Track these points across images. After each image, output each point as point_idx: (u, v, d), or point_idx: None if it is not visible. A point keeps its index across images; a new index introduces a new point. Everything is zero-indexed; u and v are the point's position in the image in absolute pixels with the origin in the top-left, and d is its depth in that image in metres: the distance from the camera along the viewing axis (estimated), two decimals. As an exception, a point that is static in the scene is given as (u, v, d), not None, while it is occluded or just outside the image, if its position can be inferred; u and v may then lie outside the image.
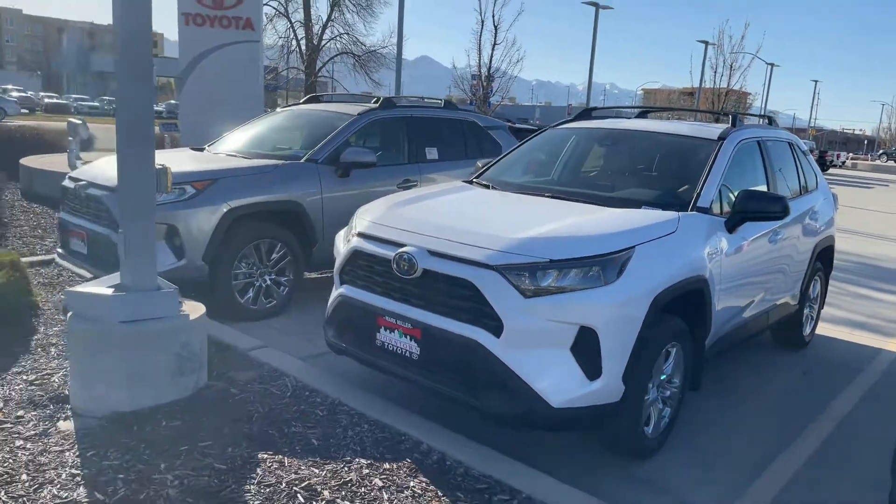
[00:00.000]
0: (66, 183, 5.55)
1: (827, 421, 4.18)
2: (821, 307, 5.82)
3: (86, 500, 2.63)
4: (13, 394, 3.53)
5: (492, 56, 25.39)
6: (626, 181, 4.41)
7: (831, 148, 58.86)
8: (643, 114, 6.12)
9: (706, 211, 3.83)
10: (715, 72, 34.36)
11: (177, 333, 3.50)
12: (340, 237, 4.07)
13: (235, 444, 3.11)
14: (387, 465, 3.02)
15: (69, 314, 3.50)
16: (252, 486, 2.77)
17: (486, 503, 2.79)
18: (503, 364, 3.03)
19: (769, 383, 4.80)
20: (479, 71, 25.63)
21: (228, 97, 14.86)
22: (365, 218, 3.81)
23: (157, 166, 3.58)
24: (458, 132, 6.98)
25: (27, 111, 40.69)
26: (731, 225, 3.88)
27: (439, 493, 2.83)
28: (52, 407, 3.44)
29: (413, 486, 2.86)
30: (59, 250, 5.64)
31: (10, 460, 2.89)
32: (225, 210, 5.03)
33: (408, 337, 3.34)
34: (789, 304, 5.04)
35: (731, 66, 34.27)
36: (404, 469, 3.00)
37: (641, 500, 3.13)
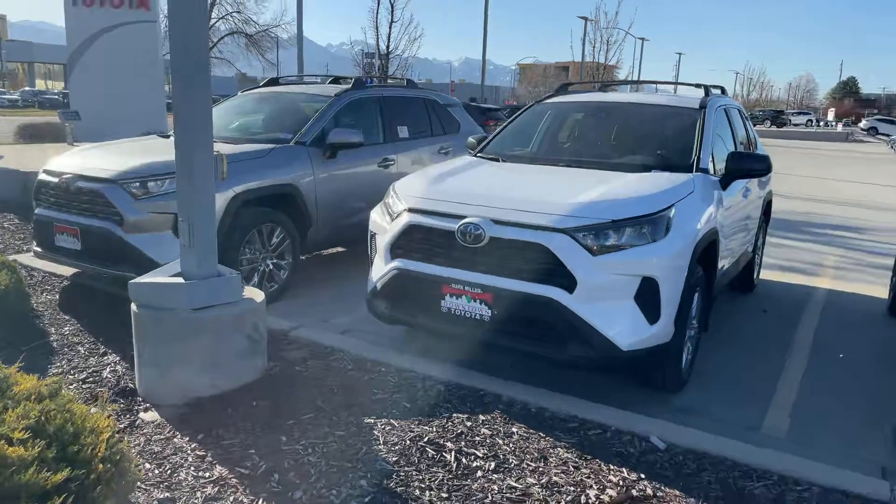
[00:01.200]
0: (44, 177, 5.26)
1: (801, 347, 4.87)
2: (762, 254, 6.65)
3: (231, 476, 2.72)
4: (74, 396, 3.46)
5: (389, 34, 25.38)
6: (626, 149, 4.87)
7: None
8: (604, 87, 6.64)
9: (706, 172, 4.35)
10: (593, 47, 36.20)
11: (248, 317, 3.57)
12: (377, 213, 4.24)
13: (336, 414, 3.27)
14: (483, 417, 3.31)
15: (134, 305, 3.47)
16: (380, 447, 2.97)
17: (584, 438, 3.15)
18: (578, 317, 3.38)
19: (739, 324, 5.46)
20: (378, 49, 25.53)
21: (126, 83, 14.08)
22: (410, 193, 4.01)
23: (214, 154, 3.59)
24: (423, 110, 7.19)
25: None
26: (725, 183, 4.43)
27: (541, 434, 3.15)
28: (122, 401, 3.42)
29: (516, 432, 3.17)
30: (37, 248, 5.35)
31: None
32: (231, 196, 5.00)
33: (478, 301, 3.61)
34: (748, 251, 5.75)
35: (608, 42, 36.22)
36: (499, 419, 3.30)
37: (690, 422, 3.58)
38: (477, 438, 3.09)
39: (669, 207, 3.63)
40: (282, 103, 6.51)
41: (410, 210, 3.89)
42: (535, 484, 2.72)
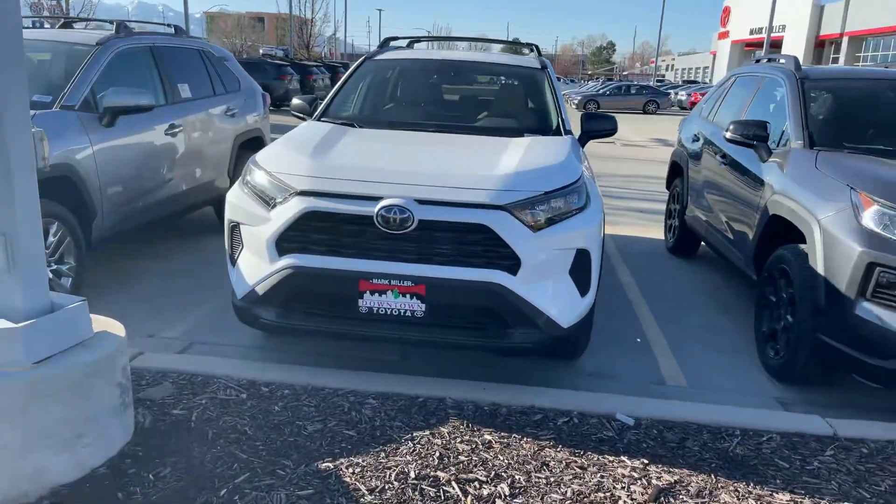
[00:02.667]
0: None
1: (632, 289, 5.24)
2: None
3: None
4: None
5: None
6: (491, 111, 4.61)
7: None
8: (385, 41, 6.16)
9: (571, 133, 4.32)
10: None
11: (116, 359, 2.56)
12: (241, 198, 3.39)
13: (277, 466, 2.54)
14: (446, 429, 2.87)
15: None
16: (364, 497, 2.37)
17: (558, 430, 2.92)
18: (523, 299, 3.09)
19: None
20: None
21: None
22: (296, 171, 3.26)
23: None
24: (200, 64, 6.03)
25: None
26: (583, 143, 4.46)
27: (517, 436, 2.84)
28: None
29: (492, 439, 2.81)
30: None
31: None
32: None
33: (407, 296, 3.09)
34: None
35: (311, -9, 35.12)
36: (463, 427, 2.89)
37: (611, 386, 3.58)
38: (462, 459, 2.65)
39: (582, 174, 3.50)
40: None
41: (305, 193, 3.15)
42: (564, 499, 2.42)
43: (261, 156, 3.54)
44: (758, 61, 5.96)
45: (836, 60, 46.73)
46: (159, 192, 5.16)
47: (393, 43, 5.39)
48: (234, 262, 3.47)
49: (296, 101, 4.81)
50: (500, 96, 4.87)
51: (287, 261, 3.16)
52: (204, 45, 6.34)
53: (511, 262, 3.08)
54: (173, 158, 5.31)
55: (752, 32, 54.46)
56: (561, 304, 3.22)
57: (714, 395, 3.55)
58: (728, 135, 4.51)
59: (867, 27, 42.42)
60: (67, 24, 6.14)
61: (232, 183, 6.12)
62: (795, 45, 46.53)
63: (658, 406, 3.20)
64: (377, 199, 3.08)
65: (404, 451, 2.68)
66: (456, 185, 3.15)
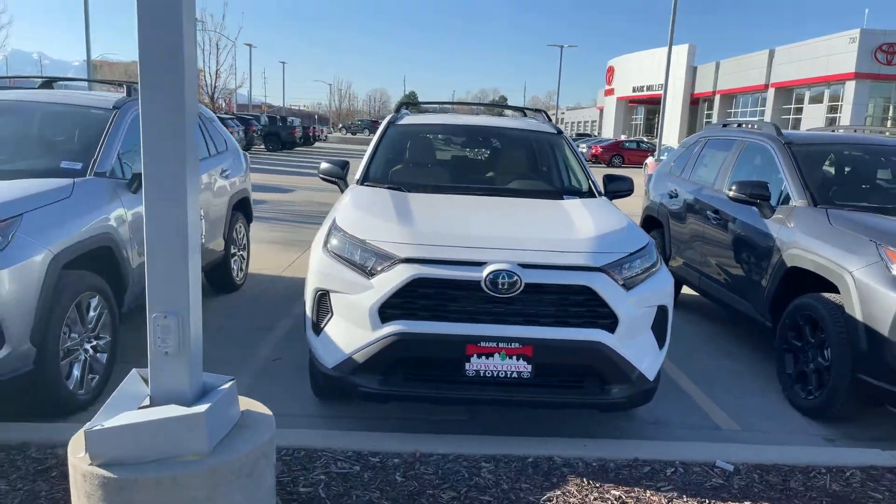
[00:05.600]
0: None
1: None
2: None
3: None
4: None
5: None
6: (522, 174, 4.84)
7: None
8: (399, 106, 6.41)
9: (592, 195, 4.63)
10: (203, 50, 34.15)
11: (273, 439, 2.48)
12: (333, 266, 3.38)
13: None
14: (570, 487, 2.95)
15: (85, 466, 2.09)
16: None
17: (672, 481, 3.07)
18: (621, 356, 3.26)
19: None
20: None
21: None
22: (397, 239, 3.30)
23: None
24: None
25: None
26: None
27: (641, 489, 2.96)
28: None
29: (614, 492, 2.92)
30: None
31: None
32: (50, 259, 3.37)
33: (514, 357, 3.19)
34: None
35: (218, 45, 34.64)
36: (584, 483, 2.99)
37: (678, 434, 3.81)
38: (606, 515, 2.75)
39: (649, 237, 3.78)
40: (30, 118, 4.60)
41: (410, 260, 3.21)
42: (722, 546, 2.57)
43: (344, 223, 3.55)
44: (725, 125, 6.59)
45: (709, 116, 51.27)
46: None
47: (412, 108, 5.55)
48: (319, 331, 3.43)
49: (325, 164, 4.84)
50: (527, 160, 5.12)
51: (392, 327, 3.18)
52: (198, 108, 6.21)
53: (610, 321, 3.26)
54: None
55: (634, 90, 58.88)
56: (648, 358, 3.42)
57: (768, 437, 3.84)
58: (731, 193, 4.96)
59: (736, 86, 46.97)
60: (48, 84, 5.86)
61: (227, 245, 6.00)
62: (673, 102, 50.52)
63: (745, 451, 3.42)
64: (482, 264, 3.19)
65: (543, 513, 2.75)
66: (554, 248, 3.31)
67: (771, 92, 43.16)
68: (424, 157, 5.03)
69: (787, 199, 4.84)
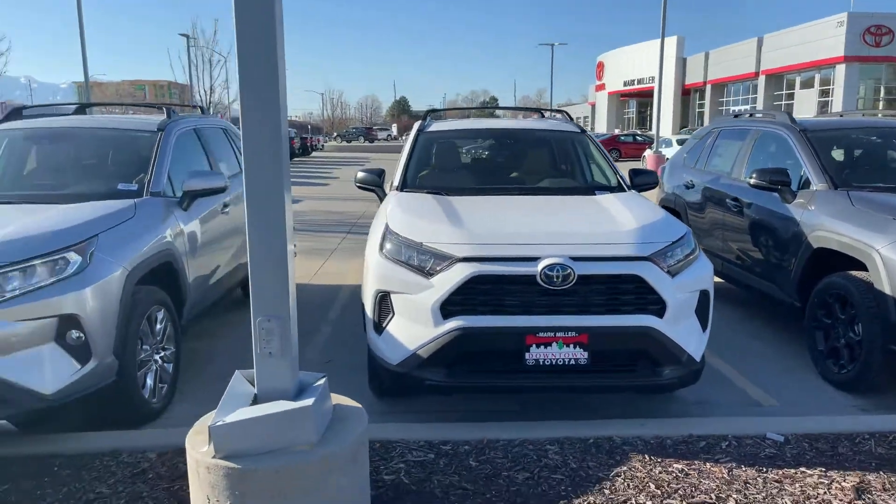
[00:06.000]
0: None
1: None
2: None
3: None
4: None
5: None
6: (552, 173, 5.05)
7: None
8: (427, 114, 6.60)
9: (622, 190, 4.84)
10: (196, 67, 34.39)
11: (367, 429, 2.67)
12: (391, 267, 3.57)
13: (523, 512, 2.73)
14: (635, 463, 3.14)
15: (210, 459, 2.28)
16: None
17: (728, 454, 3.27)
18: (671, 339, 3.46)
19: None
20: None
21: None
22: (453, 240, 3.50)
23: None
24: (226, 142, 6.09)
25: None
26: None
27: (704, 464, 3.16)
28: None
29: (676, 465, 3.12)
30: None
31: None
32: (126, 275, 3.56)
33: (571, 346, 3.38)
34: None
35: (211, 61, 34.86)
36: (647, 459, 3.18)
37: (725, 411, 4.01)
38: (675, 487, 2.94)
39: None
40: (81, 142, 4.80)
41: (468, 259, 3.40)
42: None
43: (398, 228, 3.74)
44: (736, 115, 6.80)
45: (701, 106, 51.65)
46: (218, 273, 5.16)
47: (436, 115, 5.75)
48: (381, 331, 3.62)
49: (361, 174, 5.05)
50: (555, 159, 5.32)
51: (454, 323, 3.38)
52: (225, 124, 6.41)
53: (658, 307, 3.45)
54: (227, 237, 5.33)
55: (625, 84, 59.22)
56: (694, 340, 3.62)
57: (807, 409, 4.04)
58: (752, 181, 5.17)
59: (726, 75, 47.30)
60: (81, 110, 6.06)
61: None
62: (665, 93, 50.87)
63: (791, 423, 3.62)
64: (535, 259, 3.39)
65: (621, 487, 2.94)
66: (602, 241, 3.52)
67: (762, 79, 43.46)
68: (457, 162, 5.24)
69: (806, 184, 5.04)
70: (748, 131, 6.14)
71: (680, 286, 3.54)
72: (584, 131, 5.39)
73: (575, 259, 3.40)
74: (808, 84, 40.57)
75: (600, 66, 64.80)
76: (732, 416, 3.86)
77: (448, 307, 3.40)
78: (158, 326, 3.98)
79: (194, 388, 4.33)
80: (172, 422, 3.85)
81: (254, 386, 2.57)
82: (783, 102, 42.40)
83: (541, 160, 5.31)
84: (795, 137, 5.33)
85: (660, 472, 3.06)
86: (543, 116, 6.48)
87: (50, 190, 4.33)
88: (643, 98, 59.43)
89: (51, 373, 3.17)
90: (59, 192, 4.24)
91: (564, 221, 3.92)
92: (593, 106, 70.74)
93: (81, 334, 3.26)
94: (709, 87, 49.87)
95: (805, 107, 39.36)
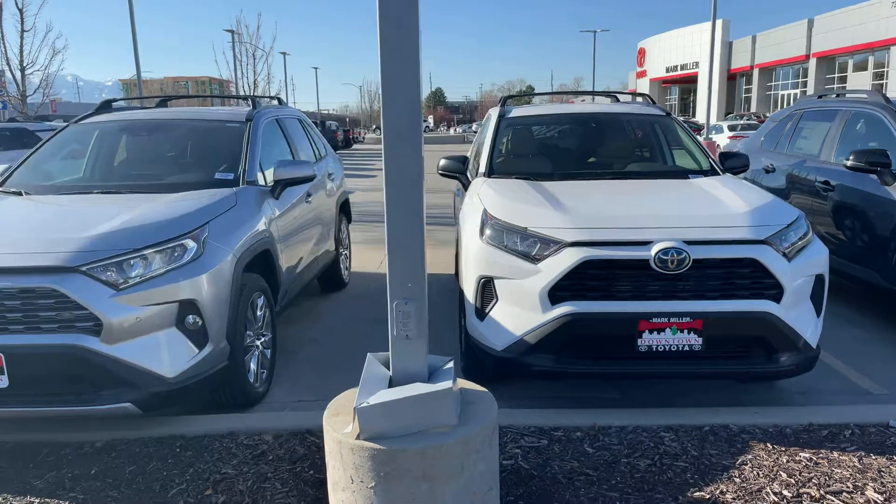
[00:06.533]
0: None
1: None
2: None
3: None
4: None
5: (21, 45, 20.46)
6: (637, 156, 4.97)
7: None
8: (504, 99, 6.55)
9: (716, 173, 4.72)
10: (241, 62, 34.81)
11: (497, 417, 2.65)
12: (495, 252, 3.54)
13: (654, 500, 2.68)
14: (759, 452, 3.07)
15: (363, 439, 2.29)
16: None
17: (854, 443, 3.17)
18: (788, 325, 3.37)
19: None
20: (7, 63, 20.41)
21: None
22: (552, 225, 3.46)
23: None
24: (302, 133, 6.14)
25: None
26: None
27: (823, 451, 3.07)
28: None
29: (802, 454, 3.03)
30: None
31: None
32: (234, 262, 3.62)
33: (685, 331, 3.31)
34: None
35: (255, 56, 35.26)
36: (769, 447, 3.10)
37: (837, 400, 3.89)
38: (807, 476, 2.86)
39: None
40: (174, 133, 4.90)
41: (578, 244, 3.35)
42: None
43: (498, 213, 3.70)
44: (821, 97, 6.59)
45: (748, 91, 50.40)
46: (303, 263, 5.20)
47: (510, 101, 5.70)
48: (483, 317, 3.60)
49: (444, 161, 5.02)
50: (642, 142, 5.23)
51: (564, 308, 3.34)
52: (301, 114, 6.45)
53: (775, 291, 3.36)
54: (311, 225, 5.38)
55: (668, 70, 58.13)
56: (811, 326, 3.51)
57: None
58: (849, 163, 5.00)
59: (774, 59, 46.02)
60: (163, 102, 6.18)
61: (336, 245, 6.21)
62: (703, 77, 49.89)
63: (905, 411, 3.50)
64: (647, 243, 3.32)
65: (752, 476, 2.87)
66: (716, 224, 3.43)
67: (812, 62, 42.19)
68: (542, 147, 5.18)
69: (911, 166, 4.84)
70: (837, 112, 5.93)
71: (796, 270, 3.44)
72: (668, 114, 5.28)
73: (689, 243, 3.32)
74: (861, 67, 39.24)
75: (641, 52, 63.70)
76: (850, 404, 3.73)
77: (556, 292, 3.36)
78: (259, 313, 4.03)
79: (287, 373, 4.39)
80: (274, 405, 3.91)
81: (386, 368, 2.57)
82: (835, 86, 41.08)
83: (627, 144, 5.22)
84: (893, 117, 5.12)
85: (787, 461, 2.98)
86: (618, 101, 6.37)
87: (149, 180, 4.42)
88: (685, 84, 58.27)
89: (172, 356, 3.24)
90: (159, 182, 4.32)
91: (673, 205, 3.83)
92: (633, 93, 69.66)
93: (199, 319, 3.32)
94: (756, 71, 48.62)
95: (858, 90, 38.05)
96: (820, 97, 6.62)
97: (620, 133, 5.31)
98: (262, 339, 4.08)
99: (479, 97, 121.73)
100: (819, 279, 3.58)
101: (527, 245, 3.49)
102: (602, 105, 5.96)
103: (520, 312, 3.45)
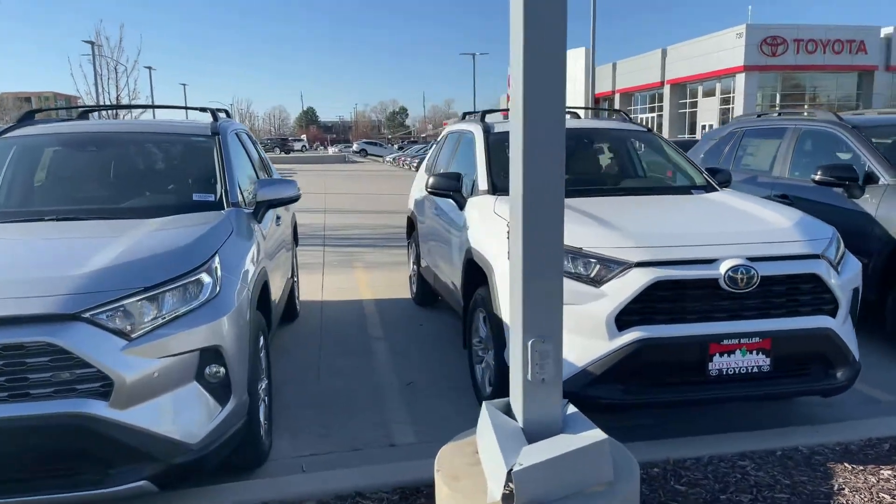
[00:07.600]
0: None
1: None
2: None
3: None
4: None
5: None
6: (636, 172, 4.84)
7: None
8: (484, 114, 6.26)
9: (715, 190, 4.72)
10: (100, 76, 31.80)
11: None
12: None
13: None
14: (848, 476, 2.97)
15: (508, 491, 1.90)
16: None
17: (878, 456, 3.16)
18: (843, 340, 3.32)
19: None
20: None
21: None
22: (612, 245, 3.21)
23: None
24: (253, 148, 5.52)
25: None
26: None
27: (899, 466, 3.03)
28: None
29: (886, 472, 2.97)
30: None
31: None
32: (250, 297, 3.06)
33: (754, 352, 3.17)
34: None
35: (116, 70, 32.39)
36: (854, 468, 3.01)
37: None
38: (906, 494, 2.78)
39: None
40: (131, 149, 4.15)
41: (645, 264, 3.12)
42: None
43: None
44: (760, 115, 6.89)
45: (611, 114, 53.73)
46: (282, 292, 4.63)
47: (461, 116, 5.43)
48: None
49: (434, 179, 4.66)
50: (636, 158, 5.13)
51: (633, 334, 3.09)
52: (245, 127, 5.81)
53: (832, 307, 3.31)
54: (280, 250, 4.80)
55: (537, 93, 60.71)
56: (854, 340, 3.49)
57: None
58: (817, 177, 5.21)
59: (633, 84, 49.46)
60: (84, 114, 5.32)
61: (293, 273, 5.63)
62: (577, 101, 52.66)
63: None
64: (714, 261, 3.16)
65: (857, 500, 2.75)
66: (774, 239, 3.33)
67: (667, 88, 45.66)
68: (501, 163, 4.94)
69: (868, 180, 5.10)
70: (785, 130, 6.20)
71: (845, 284, 3.42)
72: (650, 130, 5.24)
73: (753, 259, 3.19)
74: (709, 93, 42.96)
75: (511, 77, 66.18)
76: (883, 416, 3.76)
77: (623, 317, 3.11)
78: (261, 355, 3.45)
79: (281, 420, 3.81)
80: (286, 461, 3.35)
81: (509, 416, 2.18)
82: (687, 110, 44.72)
83: (625, 160, 5.12)
84: (851, 134, 5.40)
85: (877, 481, 2.90)
86: (580, 118, 6.27)
87: (113, 203, 3.69)
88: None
89: (194, 417, 2.63)
90: (131, 206, 3.62)
91: (721, 220, 3.70)
92: (506, 115, 72.08)
93: (222, 369, 2.73)
94: (617, 95, 51.92)
95: (708, 115, 41.69)
96: (759, 116, 6.94)
97: (617, 149, 5.21)
98: (263, 386, 3.50)
99: (353, 117, 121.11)
100: (856, 292, 3.59)
101: (582, 266, 3.21)
102: (590, 121, 5.85)
103: (580, 341, 3.16)
